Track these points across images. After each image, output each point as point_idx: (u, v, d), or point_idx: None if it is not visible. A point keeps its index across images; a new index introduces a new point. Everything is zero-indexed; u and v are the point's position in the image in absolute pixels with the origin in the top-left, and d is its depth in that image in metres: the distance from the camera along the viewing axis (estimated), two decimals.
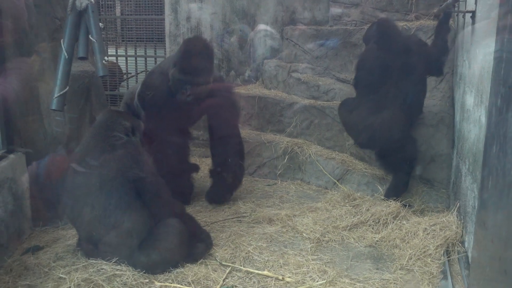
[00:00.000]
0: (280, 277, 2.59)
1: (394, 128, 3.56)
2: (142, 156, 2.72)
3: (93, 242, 2.63)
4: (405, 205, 3.51)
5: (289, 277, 2.60)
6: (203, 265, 2.71)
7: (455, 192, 3.43)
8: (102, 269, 2.55)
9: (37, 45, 3.38)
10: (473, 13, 3.09)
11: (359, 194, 3.74)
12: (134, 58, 6.02)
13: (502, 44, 1.95)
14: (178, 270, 2.64)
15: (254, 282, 2.57)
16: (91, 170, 2.60)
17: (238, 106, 3.91)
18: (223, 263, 2.74)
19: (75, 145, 3.37)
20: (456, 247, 2.92)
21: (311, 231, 3.18)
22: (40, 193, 3.17)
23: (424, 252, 2.86)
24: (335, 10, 4.81)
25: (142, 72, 5.92)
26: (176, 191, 2.92)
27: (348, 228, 3.24)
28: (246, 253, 2.88)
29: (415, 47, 3.60)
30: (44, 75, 3.41)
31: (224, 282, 2.56)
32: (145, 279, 2.52)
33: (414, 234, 3.06)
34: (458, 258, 2.85)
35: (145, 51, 6.00)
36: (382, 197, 3.61)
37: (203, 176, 4.20)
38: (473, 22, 3.12)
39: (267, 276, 2.62)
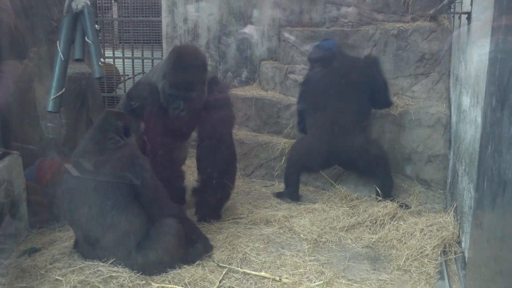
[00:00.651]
0: (277, 278, 2.60)
1: (347, 142, 3.67)
2: (139, 157, 2.72)
3: (90, 243, 2.63)
4: (402, 206, 3.52)
5: (286, 278, 2.61)
6: (200, 267, 2.71)
7: (452, 192, 3.44)
8: (98, 270, 2.55)
9: (33, 47, 3.38)
10: (469, 14, 3.10)
11: (356, 195, 3.75)
12: (131, 60, 6.02)
13: (496, 45, 1.96)
14: (175, 271, 2.63)
15: (251, 283, 2.57)
16: (89, 171, 2.60)
17: (232, 118, 3.55)
18: (220, 264, 2.74)
19: (71, 147, 3.35)
20: (453, 248, 2.93)
21: (308, 232, 3.19)
22: (37, 195, 3.16)
23: (421, 252, 2.87)
24: (332, 11, 4.81)
25: (139, 74, 5.93)
26: (170, 193, 2.84)
27: (345, 229, 3.25)
28: (243, 254, 2.88)
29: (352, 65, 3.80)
30: (40, 77, 3.40)
31: (221, 284, 2.56)
32: (141, 280, 2.52)
33: (411, 235, 3.07)
34: (455, 259, 2.86)
35: (142, 53, 5.99)
36: (379, 198, 3.61)
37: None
38: (469, 23, 3.13)
39: (264, 277, 2.62)
